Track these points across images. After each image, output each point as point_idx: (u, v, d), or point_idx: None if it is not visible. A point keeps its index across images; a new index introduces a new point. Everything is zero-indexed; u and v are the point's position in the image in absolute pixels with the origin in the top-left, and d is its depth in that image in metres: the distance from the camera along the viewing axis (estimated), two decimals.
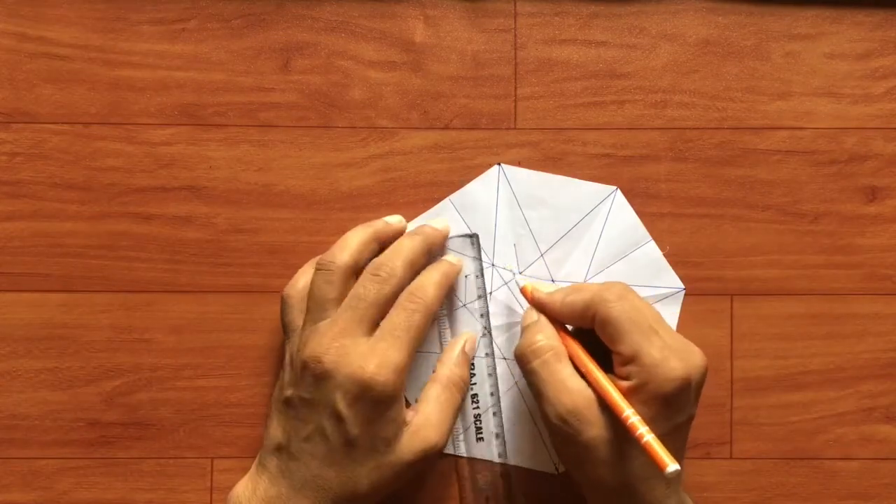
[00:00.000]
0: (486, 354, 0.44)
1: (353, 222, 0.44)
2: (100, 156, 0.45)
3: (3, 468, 0.45)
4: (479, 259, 0.45)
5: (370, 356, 0.39)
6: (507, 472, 0.45)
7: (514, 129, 0.46)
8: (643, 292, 0.44)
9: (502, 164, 0.45)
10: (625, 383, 0.38)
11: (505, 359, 0.45)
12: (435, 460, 0.41)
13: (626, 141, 0.46)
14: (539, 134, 0.46)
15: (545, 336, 0.40)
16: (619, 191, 0.45)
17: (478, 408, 0.44)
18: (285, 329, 0.42)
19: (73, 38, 0.45)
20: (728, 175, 0.46)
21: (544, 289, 0.42)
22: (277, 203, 0.45)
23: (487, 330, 0.45)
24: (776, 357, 0.46)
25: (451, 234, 0.44)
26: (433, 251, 0.43)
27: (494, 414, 0.44)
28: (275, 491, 0.40)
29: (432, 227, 0.43)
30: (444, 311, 0.44)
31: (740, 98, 0.46)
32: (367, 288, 0.40)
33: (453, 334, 0.44)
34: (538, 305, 0.42)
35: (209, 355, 0.45)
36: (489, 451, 0.44)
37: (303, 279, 0.42)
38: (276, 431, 0.41)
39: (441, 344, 0.44)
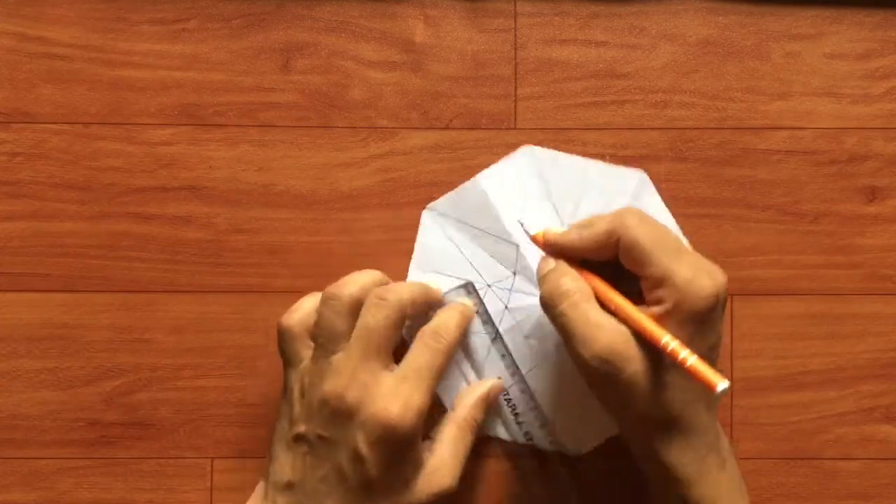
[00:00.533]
0: (522, 391, 0.44)
1: (354, 222, 0.44)
2: (100, 156, 0.45)
3: (3, 468, 0.45)
4: (483, 303, 0.44)
5: (394, 397, 0.38)
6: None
7: (514, 129, 0.46)
8: None
9: (531, 146, 0.45)
10: (657, 308, 0.37)
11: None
12: (447, 500, 0.40)
13: (626, 141, 0.46)
14: (539, 134, 0.46)
15: (570, 278, 0.39)
16: (645, 174, 0.45)
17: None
18: (288, 360, 0.41)
19: (73, 38, 0.45)
20: (728, 175, 0.46)
21: (556, 231, 0.40)
22: (277, 203, 0.45)
23: (516, 367, 0.44)
24: (776, 357, 0.46)
25: (445, 291, 0.44)
26: (432, 304, 0.43)
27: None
28: None
29: (431, 287, 0.43)
30: (462, 355, 0.44)
31: (740, 98, 0.46)
32: (375, 315, 0.39)
33: (478, 377, 0.44)
34: (555, 248, 0.40)
35: (209, 355, 0.45)
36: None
37: (301, 310, 0.41)
38: (284, 468, 0.40)
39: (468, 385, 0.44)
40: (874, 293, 0.46)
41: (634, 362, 0.37)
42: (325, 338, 0.40)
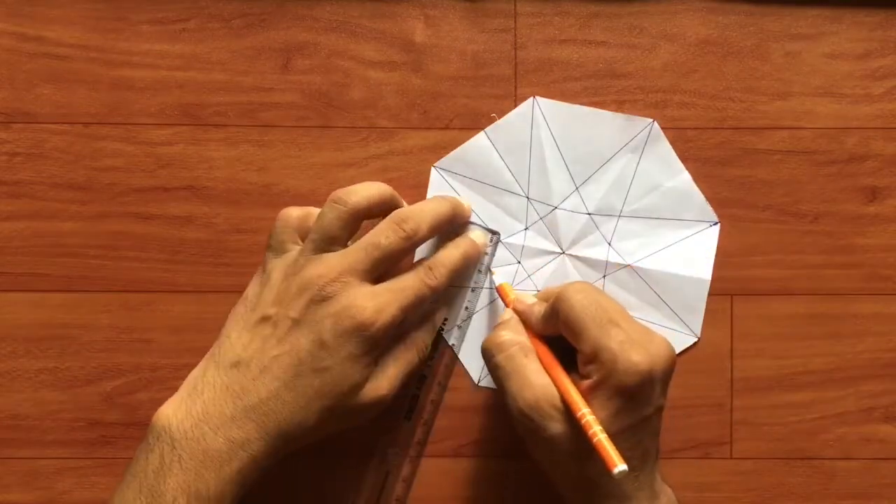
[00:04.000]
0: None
1: None
2: (100, 156, 0.45)
3: (3, 468, 0.45)
4: (493, 256, 0.45)
5: (371, 299, 0.39)
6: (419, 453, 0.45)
7: None
8: (677, 227, 0.44)
9: (537, 97, 0.45)
10: (587, 381, 0.38)
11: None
12: (378, 412, 0.41)
13: None
14: None
15: (512, 332, 0.41)
16: (655, 123, 0.45)
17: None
18: (274, 247, 0.41)
19: (73, 38, 0.45)
20: (728, 175, 0.46)
21: (526, 300, 0.42)
22: (277, 203, 0.45)
23: (469, 316, 0.45)
24: (776, 357, 0.46)
25: (474, 225, 0.45)
26: (456, 222, 0.44)
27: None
28: (216, 409, 0.39)
29: (460, 201, 0.44)
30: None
31: (740, 98, 0.46)
32: (389, 238, 0.40)
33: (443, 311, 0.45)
34: (519, 316, 0.42)
35: None
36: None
37: (305, 210, 0.42)
38: (235, 347, 0.40)
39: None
40: (874, 293, 0.46)
41: (557, 423, 0.38)
42: (320, 236, 0.40)
